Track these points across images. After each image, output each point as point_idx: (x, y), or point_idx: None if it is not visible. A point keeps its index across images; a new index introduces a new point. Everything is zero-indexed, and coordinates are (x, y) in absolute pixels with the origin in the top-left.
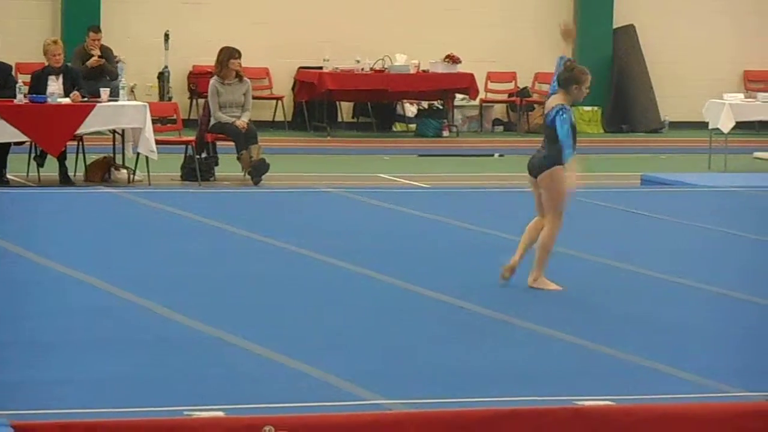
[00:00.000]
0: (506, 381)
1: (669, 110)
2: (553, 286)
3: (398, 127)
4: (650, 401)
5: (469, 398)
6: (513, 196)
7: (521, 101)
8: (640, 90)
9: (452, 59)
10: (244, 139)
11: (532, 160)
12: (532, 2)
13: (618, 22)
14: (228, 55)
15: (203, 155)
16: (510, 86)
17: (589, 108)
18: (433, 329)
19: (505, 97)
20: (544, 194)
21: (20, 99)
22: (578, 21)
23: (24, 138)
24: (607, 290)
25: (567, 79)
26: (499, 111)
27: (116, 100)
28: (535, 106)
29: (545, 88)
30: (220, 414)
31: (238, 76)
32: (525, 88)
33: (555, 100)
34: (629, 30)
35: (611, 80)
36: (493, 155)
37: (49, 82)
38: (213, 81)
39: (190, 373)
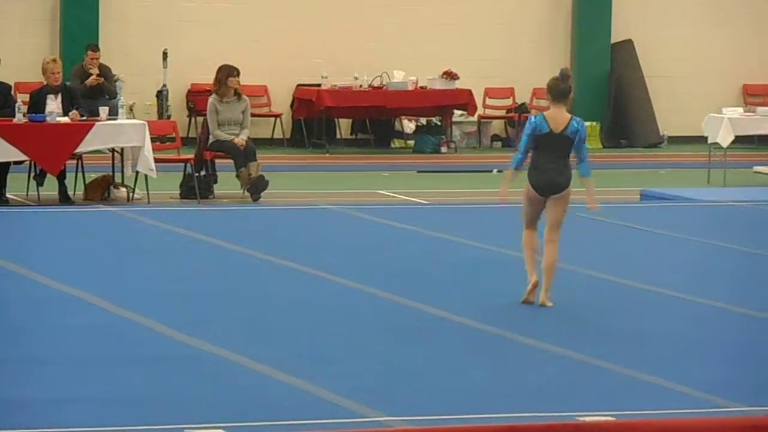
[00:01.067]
0: (506, 397)
1: (668, 125)
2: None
3: (397, 143)
4: (651, 416)
5: (470, 415)
6: (512, 212)
7: (519, 117)
8: (639, 105)
9: (450, 75)
10: (242, 156)
11: (550, 176)
12: (530, 18)
13: (616, 37)
14: (226, 73)
15: (202, 173)
16: (508, 102)
17: (587, 123)
18: (433, 345)
19: (503, 113)
20: (558, 211)
21: (19, 118)
22: (576, 36)
23: (23, 157)
24: (607, 305)
25: (567, 89)
26: (497, 127)
27: (115, 119)
28: None
29: (543, 103)
30: (220, 431)
31: (237, 94)
32: (523, 103)
33: (564, 112)
34: (627, 45)
35: (609, 95)
36: (491, 171)
37: (48, 101)
38: (211, 99)
39: (190, 391)
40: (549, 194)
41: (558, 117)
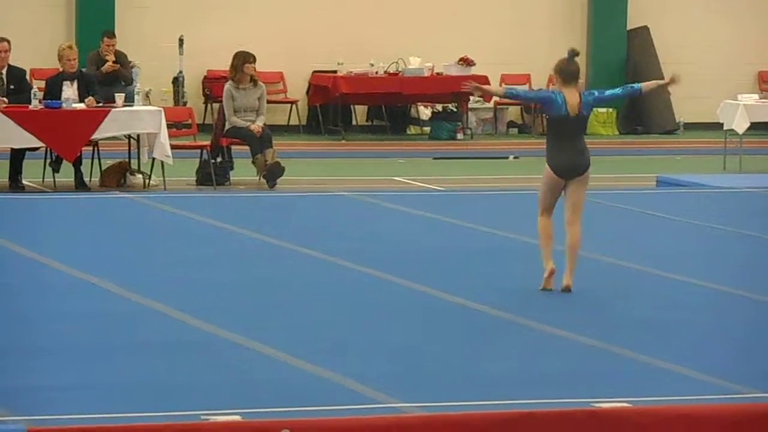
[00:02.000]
0: (522, 383)
1: (684, 111)
2: None
3: (412, 130)
4: (667, 402)
5: (485, 401)
6: (528, 198)
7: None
8: (655, 91)
9: (466, 62)
10: (258, 143)
11: (571, 158)
12: (546, 4)
13: (632, 23)
14: (242, 59)
15: (218, 160)
16: (524, 88)
17: (603, 110)
18: (449, 332)
19: None
20: (579, 193)
21: (35, 104)
22: (592, 22)
23: (39, 144)
24: (623, 292)
25: (577, 70)
26: (513, 113)
27: (131, 105)
28: None
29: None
30: (237, 418)
31: (253, 81)
32: (540, 89)
33: (576, 94)
34: (643, 31)
35: (626, 82)
36: (507, 158)
37: (64, 88)
38: (228, 86)
39: (207, 377)
40: (571, 176)
41: (572, 100)
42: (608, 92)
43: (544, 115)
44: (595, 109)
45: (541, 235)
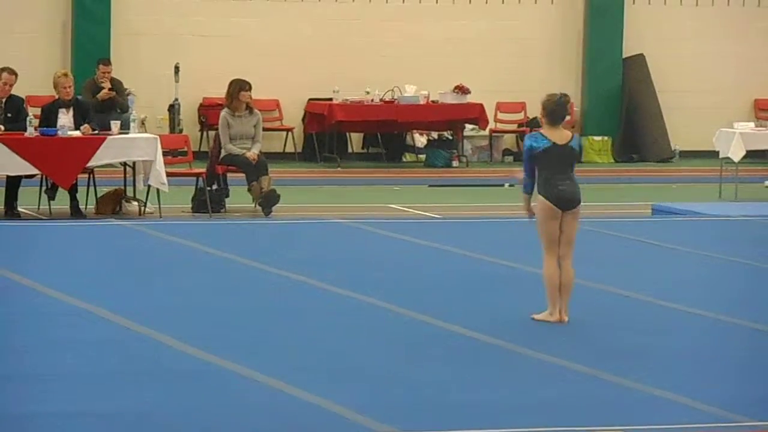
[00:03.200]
0: (518, 411)
1: (679, 139)
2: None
3: (408, 157)
4: (663, 431)
5: (482, 429)
6: (524, 226)
7: (531, 131)
8: (651, 119)
9: (461, 90)
10: (254, 170)
11: (566, 191)
12: (542, 32)
13: (628, 51)
14: (238, 87)
15: (214, 187)
16: (520, 116)
17: (599, 138)
18: (446, 359)
19: (514, 127)
20: (573, 226)
21: (31, 132)
22: (588, 50)
23: (35, 171)
24: (618, 320)
25: (565, 114)
26: (508, 141)
27: (127, 133)
28: None
29: None
30: None
31: (249, 108)
32: (535, 118)
33: (563, 130)
34: (639, 59)
35: (621, 110)
36: (503, 185)
37: (60, 115)
38: (223, 113)
39: (203, 406)
40: (568, 208)
41: (556, 134)
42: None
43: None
44: (590, 137)
45: (550, 281)
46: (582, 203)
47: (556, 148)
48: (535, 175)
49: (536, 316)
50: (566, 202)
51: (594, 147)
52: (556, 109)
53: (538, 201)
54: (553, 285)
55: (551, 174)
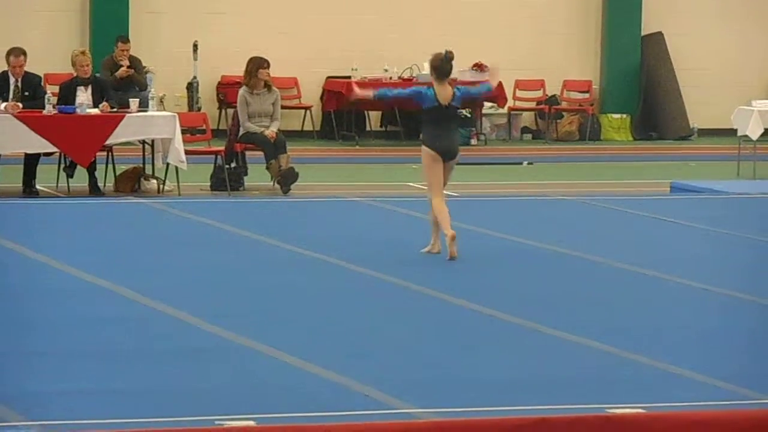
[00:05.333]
0: (536, 389)
1: (698, 117)
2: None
3: None
4: (682, 409)
5: (499, 407)
6: (542, 204)
7: (550, 109)
8: (669, 97)
9: (480, 67)
10: (273, 148)
11: (446, 144)
12: (561, 10)
13: (646, 29)
14: (256, 65)
15: (232, 165)
16: (538, 94)
17: (618, 116)
18: (463, 338)
19: (533, 105)
20: (450, 173)
21: (49, 110)
22: (607, 28)
23: (53, 149)
24: (637, 297)
25: (450, 69)
26: (527, 119)
27: (146, 111)
28: (564, 114)
29: (574, 96)
30: (252, 423)
31: (267, 86)
32: (553, 95)
33: (448, 87)
34: (657, 37)
35: (640, 88)
36: (521, 163)
37: (78, 93)
38: (242, 91)
39: (222, 383)
40: (447, 158)
41: (442, 92)
42: (472, 90)
43: (558, 121)
44: (609, 115)
45: (443, 211)
46: (602, 180)
47: (439, 109)
48: (396, 93)
49: (423, 250)
50: (446, 152)
51: (613, 125)
52: (441, 65)
53: (423, 150)
54: (446, 215)
55: (435, 129)
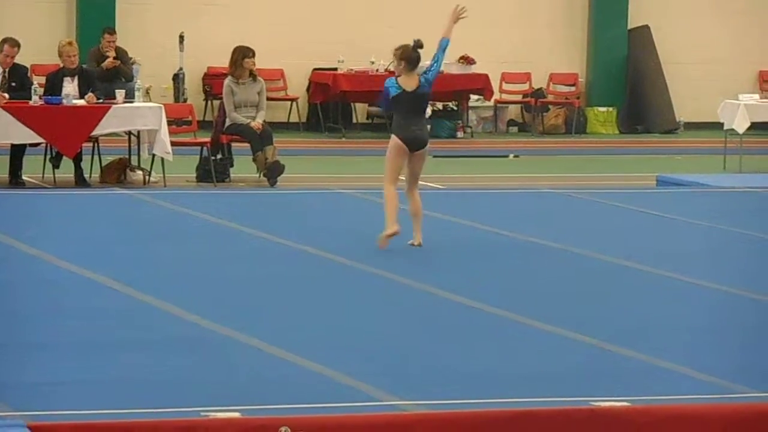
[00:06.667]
0: (522, 382)
1: (684, 111)
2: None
3: None
4: (667, 402)
5: (485, 399)
6: (528, 196)
7: (536, 102)
8: (655, 91)
9: (467, 60)
10: (259, 140)
11: (415, 133)
12: (547, 3)
13: (633, 22)
14: (242, 54)
15: (218, 157)
16: (525, 87)
17: (604, 109)
18: (450, 330)
19: (519, 98)
20: (419, 165)
21: (35, 100)
22: (593, 21)
23: (39, 139)
24: (623, 291)
25: (419, 58)
26: (513, 112)
27: (132, 102)
28: (550, 107)
29: (560, 89)
30: (237, 415)
31: (252, 76)
32: (540, 89)
33: (415, 77)
34: (644, 30)
35: (626, 81)
36: (507, 156)
37: (65, 84)
38: (227, 81)
39: (206, 374)
40: (414, 149)
41: (409, 81)
42: (433, 66)
43: (545, 114)
44: (595, 108)
45: (391, 201)
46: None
47: (406, 95)
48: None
49: (381, 236)
50: (412, 142)
51: (599, 118)
52: (410, 54)
53: (392, 139)
54: (394, 202)
55: (403, 117)
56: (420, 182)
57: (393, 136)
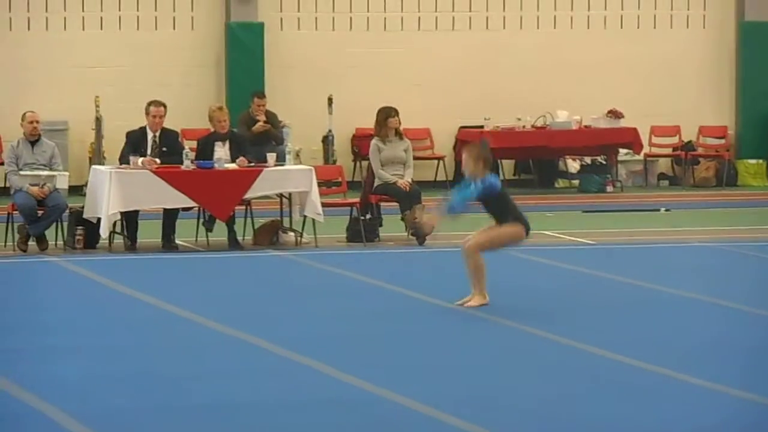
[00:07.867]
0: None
1: None
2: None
3: (561, 183)
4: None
5: None
6: (681, 250)
7: (686, 155)
8: None
9: (615, 114)
10: (407, 199)
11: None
12: (694, 56)
13: None
14: (385, 114)
15: (368, 216)
16: (674, 140)
17: (754, 161)
18: (602, 389)
19: (669, 151)
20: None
21: (187, 165)
22: (741, 74)
23: (192, 204)
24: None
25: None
26: (663, 165)
27: (283, 165)
28: (701, 159)
29: (710, 141)
30: None
31: (398, 134)
32: (689, 141)
33: None
34: None
35: None
36: (659, 210)
37: (216, 148)
38: (374, 141)
39: None
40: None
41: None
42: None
43: (695, 167)
44: (745, 160)
45: (483, 270)
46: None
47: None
48: (467, 196)
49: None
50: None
51: (749, 170)
52: (489, 156)
53: (515, 227)
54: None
55: (513, 206)
56: (569, 238)
57: (522, 226)
